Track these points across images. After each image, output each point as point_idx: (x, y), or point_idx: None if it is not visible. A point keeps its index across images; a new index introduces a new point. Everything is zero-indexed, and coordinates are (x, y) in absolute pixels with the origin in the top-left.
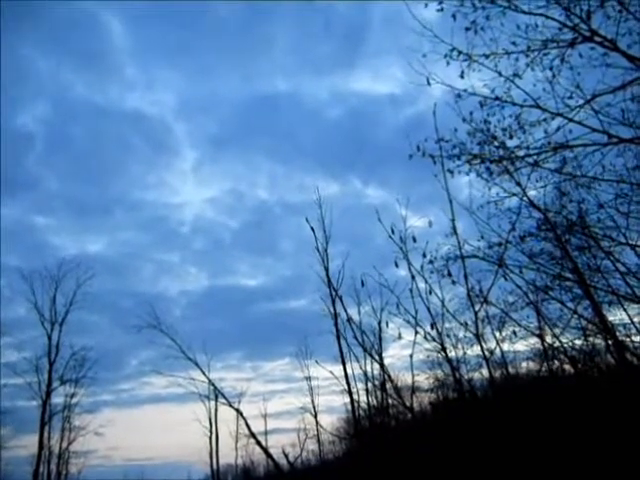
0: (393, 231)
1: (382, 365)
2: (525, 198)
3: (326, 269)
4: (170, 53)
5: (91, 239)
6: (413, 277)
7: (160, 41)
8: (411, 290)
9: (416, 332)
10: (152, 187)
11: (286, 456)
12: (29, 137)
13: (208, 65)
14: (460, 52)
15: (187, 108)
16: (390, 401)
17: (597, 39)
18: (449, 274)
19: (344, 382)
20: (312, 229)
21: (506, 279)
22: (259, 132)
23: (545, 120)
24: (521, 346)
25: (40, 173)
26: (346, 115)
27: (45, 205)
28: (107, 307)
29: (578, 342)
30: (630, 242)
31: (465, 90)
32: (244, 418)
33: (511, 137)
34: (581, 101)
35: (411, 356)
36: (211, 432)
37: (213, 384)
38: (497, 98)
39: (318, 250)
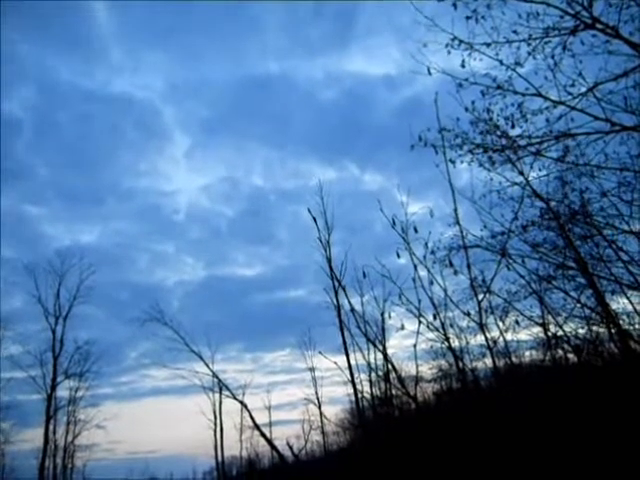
0: (394, 222)
1: (385, 355)
2: (528, 187)
3: (329, 260)
4: (156, 35)
5: (84, 229)
6: (415, 267)
7: (146, 23)
8: (414, 280)
9: (419, 322)
10: (144, 174)
11: (290, 448)
12: (17, 123)
13: (196, 47)
14: (461, 41)
15: (176, 92)
16: (394, 391)
17: (599, 26)
18: (451, 264)
19: (347, 373)
20: (314, 220)
21: (509, 269)
22: (252, 116)
23: (547, 108)
24: (524, 335)
25: (30, 161)
26: (341, 97)
27: (36, 194)
28: (103, 299)
29: (581, 331)
30: (633, 230)
31: (466, 79)
32: (248, 410)
33: (513, 126)
34: (583, 89)
35: (414, 346)
36: (215, 425)
37: (217, 377)
38: (499, 87)
39: (320, 241)
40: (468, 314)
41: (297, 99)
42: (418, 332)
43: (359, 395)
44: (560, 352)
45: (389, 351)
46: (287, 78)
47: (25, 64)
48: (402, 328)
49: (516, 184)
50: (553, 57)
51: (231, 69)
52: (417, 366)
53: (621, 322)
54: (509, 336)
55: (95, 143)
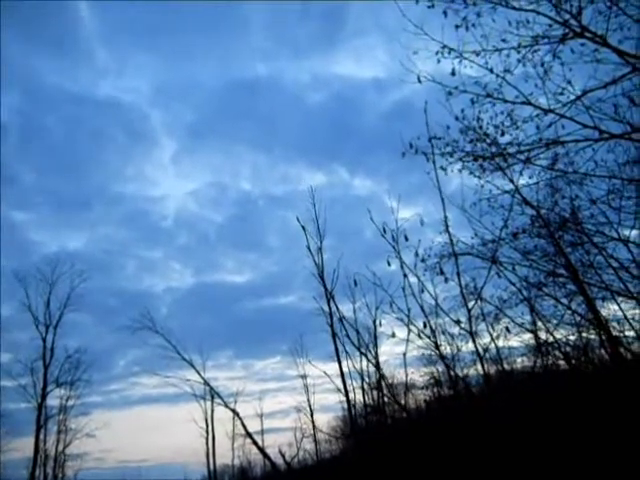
0: (385, 230)
1: (378, 365)
2: (518, 195)
3: (321, 270)
4: (142, 36)
5: (71, 235)
6: (405, 275)
7: (130, 23)
8: (403, 289)
9: (409, 330)
10: (131, 179)
11: (283, 456)
12: (3, 128)
13: (183, 47)
14: (451, 50)
15: (163, 95)
16: (386, 399)
17: (587, 35)
18: (442, 272)
19: (339, 381)
20: (303, 228)
21: (499, 276)
22: (240, 119)
23: (537, 116)
24: (515, 342)
25: (16, 166)
26: (329, 100)
27: (23, 200)
28: (91, 306)
29: (572, 337)
30: (622, 237)
31: (456, 87)
32: (240, 418)
33: (503, 134)
34: (572, 97)
35: (404, 355)
36: (207, 433)
37: (209, 385)
38: (488, 95)
39: (309, 249)
40: (458, 322)
41: (285, 102)
42: (408, 341)
43: (351, 403)
44: (551, 358)
45: (381, 358)
46: (274, 80)
47: (9, 66)
48: (393, 336)
49: (506, 192)
50: (543, 65)
51: (218, 71)
52: (407, 375)
53: (611, 329)
54: (500, 343)
55: (81, 147)
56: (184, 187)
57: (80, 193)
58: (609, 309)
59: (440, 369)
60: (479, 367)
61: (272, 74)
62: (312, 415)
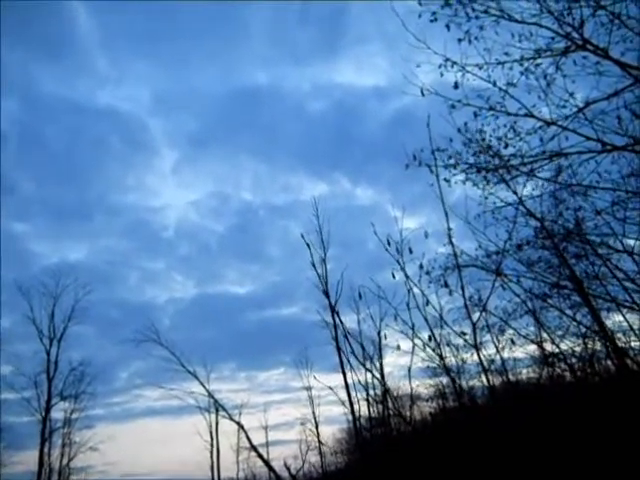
0: (389, 242)
1: (382, 378)
2: (521, 206)
3: (324, 284)
4: (141, 44)
5: (72, 246)
6: (410, 290)
7: (129, 31)
8: (408, 304)
9: (414, 344)
10: (131, 189)
11: (288, 469)
12: (2, 137)
13: (182, 57)
14: (454, 63)
15: (163, 103)
16: (391, 411)
17: (589, 47)
18: (446, 285)
19: (345, 393)
20: (308, 246)
21: (504, 288)
22: (241, 128)
23: (540, 128)
24: (521, 353)
25: (15, 176)
26: (330, 108)
27: (22, 210)
28: (93, 317)
29: (578, 349)
30: (627, 249)
31: (459, 101)
32: (245, 431)
33: (506, 146)
34: (575, 109)
35: (409, 369)
36: (212, 446)
37: (214, 397)
38: (491, 108)
39: (314, 266)
40: (463, 334)
41: (286, 111)
42: (413, 354)
43: (356, 416)
44: (556, 370)
45: (386, 369)
46: (275, 89)
47: (8, 74)
48: (398, 348)
49: (510, 204)
50: (545, 77)
51: (218, 78)
52: (412, 389)
53: (617, 340)
54: (505, 354)
55: (81, 157)
56: (185, 197)
57: (80, 203)
58: (614, 320)
59: (445, 381)
60: (484, 379)
61: (273, 82)
62: (317, 427)
